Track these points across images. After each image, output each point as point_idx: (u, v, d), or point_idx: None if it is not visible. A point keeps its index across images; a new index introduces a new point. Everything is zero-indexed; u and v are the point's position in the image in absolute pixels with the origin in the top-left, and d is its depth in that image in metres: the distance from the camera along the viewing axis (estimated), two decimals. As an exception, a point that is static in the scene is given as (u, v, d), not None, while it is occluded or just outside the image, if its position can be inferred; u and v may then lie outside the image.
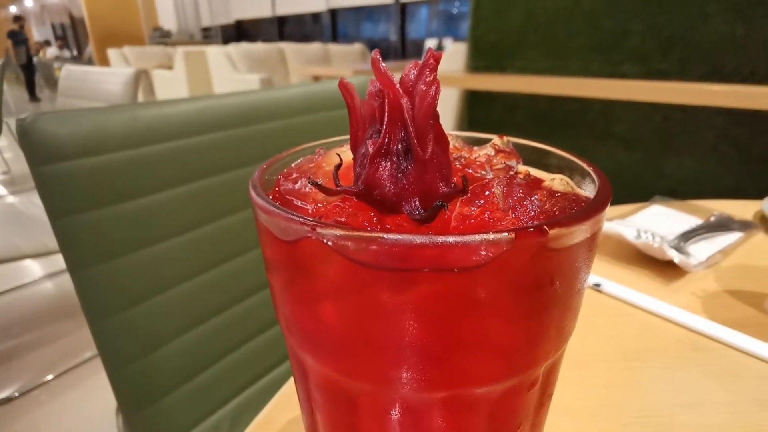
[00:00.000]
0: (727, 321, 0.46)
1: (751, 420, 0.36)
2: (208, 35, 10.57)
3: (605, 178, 0.17)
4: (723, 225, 0.66)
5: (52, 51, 12.62)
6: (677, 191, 1.63)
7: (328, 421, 0.18)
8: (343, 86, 0.15)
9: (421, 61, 0.14)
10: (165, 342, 0.58)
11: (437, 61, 0.14)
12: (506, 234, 0.12)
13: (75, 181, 0.50)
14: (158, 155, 0.56)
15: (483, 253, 0.13)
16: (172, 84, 5.32)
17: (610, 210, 0.73)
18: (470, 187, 0.15)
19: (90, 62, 10.82)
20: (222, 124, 0.62)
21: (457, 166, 0.18)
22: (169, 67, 5.63)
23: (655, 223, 0.66)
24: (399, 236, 0.13)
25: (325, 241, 0.13)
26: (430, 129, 0.15)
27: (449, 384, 0.15)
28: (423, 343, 0.14)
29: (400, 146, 0.15)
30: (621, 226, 0.62)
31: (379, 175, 0.15)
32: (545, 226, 0.13)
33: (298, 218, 0.14)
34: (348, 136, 0.18)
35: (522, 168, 0.19)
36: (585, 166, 0.18)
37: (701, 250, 0.59)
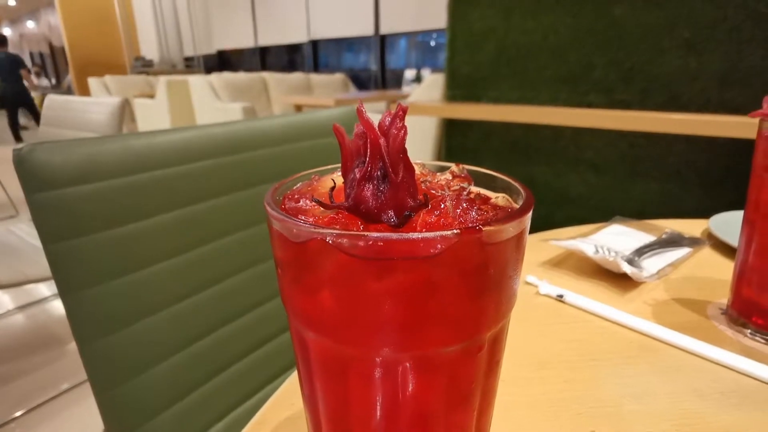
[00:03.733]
0: (672, 325, 0.51)
1: (689, 407, 0.41)
2: (190, 65, 10.61)
3: (530, 193, 0.22)
4: (674, 241, 0.73)
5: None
6: (645, 212, 1.72)
7: (324, 386, 0.23)
8: (336, 129, 0.20)
9: (393, 111, 0.20)
10: (154, 363, 0.59)
11: (404, 112, 0.20)
12: (454, 231, 0.18)
13: (68, 208, 0.51)
14: (148, 183, 0.58)
15: (438, 246, 0.18)
16: (153, 112, 5.29)
17: (575, 230, 0.80)
18: (430, 202, 0.21)
19: (69, 91, 10.76)
20: (210, 153, 0.64)
21: (423, 187, 0.24)
22: (151, 96, 5.64)
23: (613, 240, 0.72)
24: (380, 234, 0.18)
25: (327, 239, 0.19)
26: (401, 160, 0.20)
27: (417, 345, 0.20)
28: (397, 314, 0.20)
29: (379, 173, 0.20)
30: (582, 243, 0.68)
31: (364, 194, 0.20)
32: (480, 226, 0.18)
33: (307, 224, 0.20)
34: (338, 165, 0.24)
35: (474, 189, 0.25)
36: (518, 186, 0.24)
37: (653, 263, 0.65)
